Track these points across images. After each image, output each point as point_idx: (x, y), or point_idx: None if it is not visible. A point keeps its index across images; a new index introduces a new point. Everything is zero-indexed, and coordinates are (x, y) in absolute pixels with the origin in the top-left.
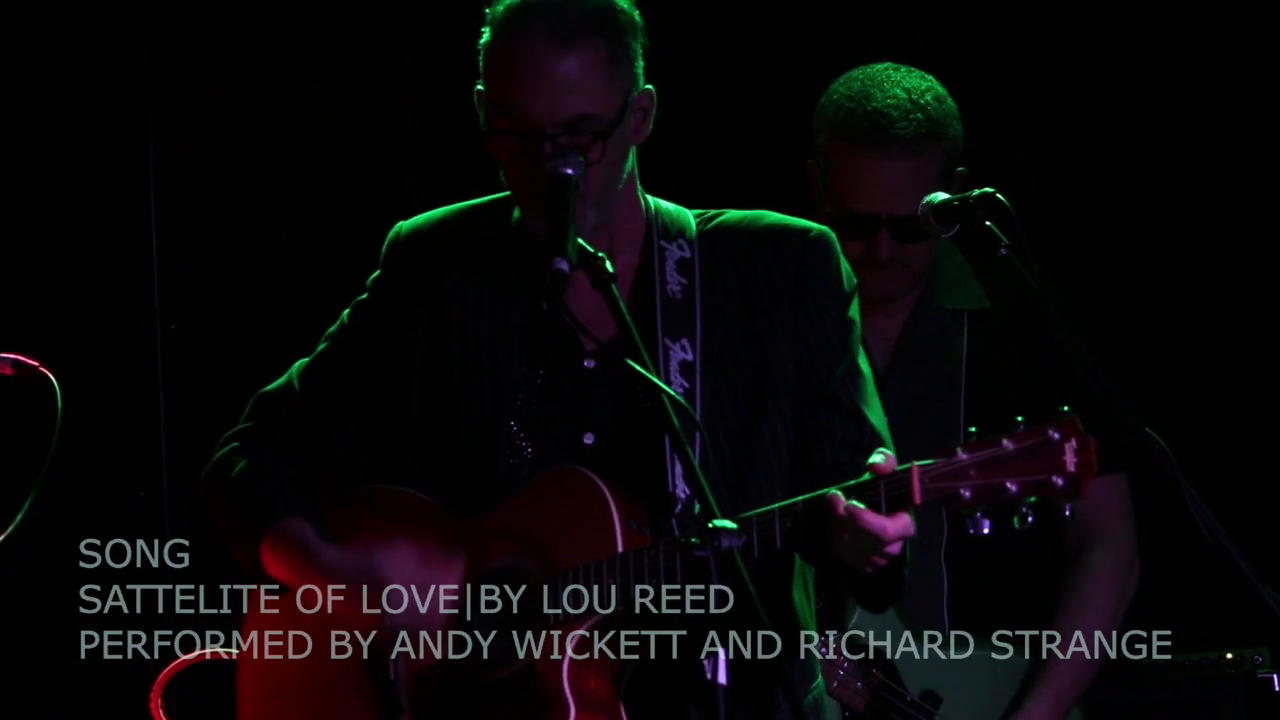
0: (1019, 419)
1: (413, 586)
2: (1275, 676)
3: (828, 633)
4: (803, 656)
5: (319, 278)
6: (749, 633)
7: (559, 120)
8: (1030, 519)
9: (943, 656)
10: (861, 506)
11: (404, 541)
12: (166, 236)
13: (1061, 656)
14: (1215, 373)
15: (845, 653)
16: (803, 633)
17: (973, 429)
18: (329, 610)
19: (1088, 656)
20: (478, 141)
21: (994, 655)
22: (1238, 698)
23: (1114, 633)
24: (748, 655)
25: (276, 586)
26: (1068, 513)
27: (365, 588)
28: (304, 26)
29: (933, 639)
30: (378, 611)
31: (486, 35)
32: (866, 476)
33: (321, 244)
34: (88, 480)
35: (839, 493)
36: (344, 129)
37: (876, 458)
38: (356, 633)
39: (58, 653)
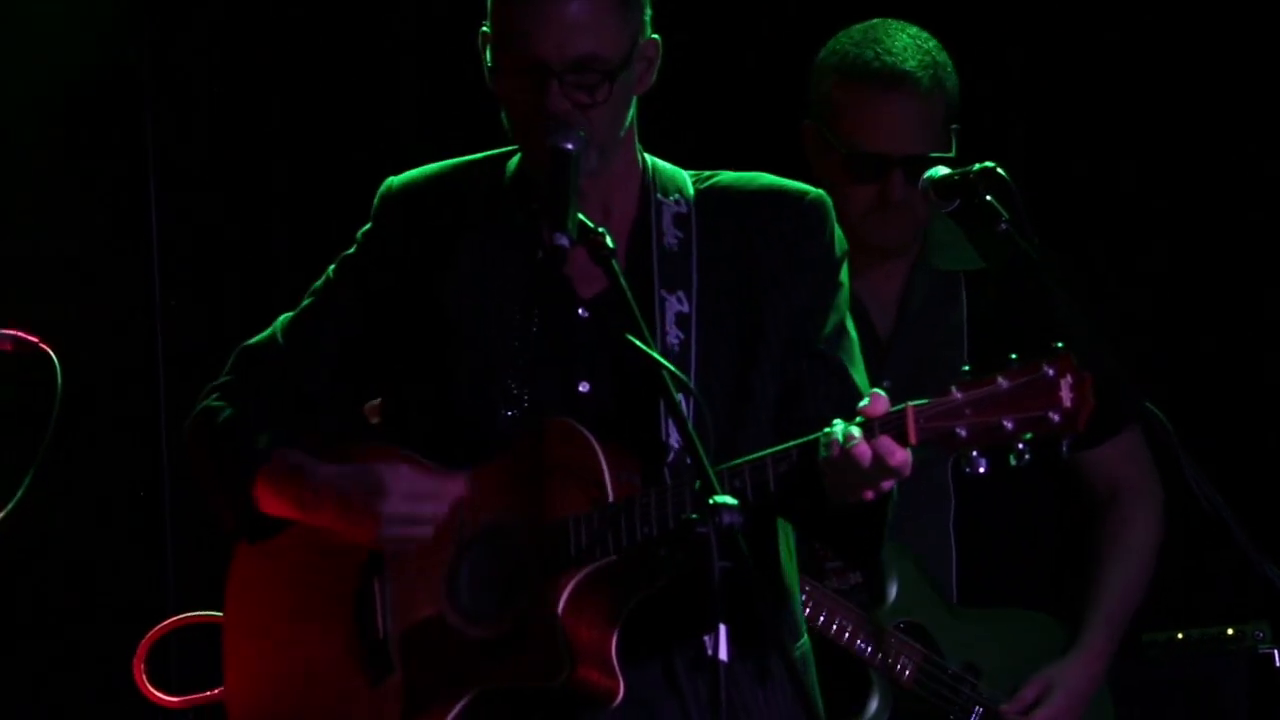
0: (1012, 356)
1: (407, 491)
2: (1276, 652)
3: (871, 612)
4: (790, 614)
5: (319, 255)
6: (746, 604)
7: (568, 58)
8: (1027, 457)
9: (975, 627)
10: (858, 434)
11: (398, 459)
12: (166, 215)
13: (1111, 597)
14: (1216, 346)
15: (887, 631)
16: (789, 591)
17: (966, 367)
18: (326, 543)
19: (1133, 596)
20: (471, 108)
21: (1022, 619)
22: (1239, 673)
23: (1152, 572)
24: (745, 626)
25: (260, 537)
26: (1064, 449)
27: (360, 498)
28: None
29: (964, 613)
30: (374, 521)
31: None
32: (859, 420)
33: (321, 223)
34: (87, 456)
35: (835, 430)
36: (340, 102)
37: (865, 400)
38: (343, 588)
39: (49, 624)
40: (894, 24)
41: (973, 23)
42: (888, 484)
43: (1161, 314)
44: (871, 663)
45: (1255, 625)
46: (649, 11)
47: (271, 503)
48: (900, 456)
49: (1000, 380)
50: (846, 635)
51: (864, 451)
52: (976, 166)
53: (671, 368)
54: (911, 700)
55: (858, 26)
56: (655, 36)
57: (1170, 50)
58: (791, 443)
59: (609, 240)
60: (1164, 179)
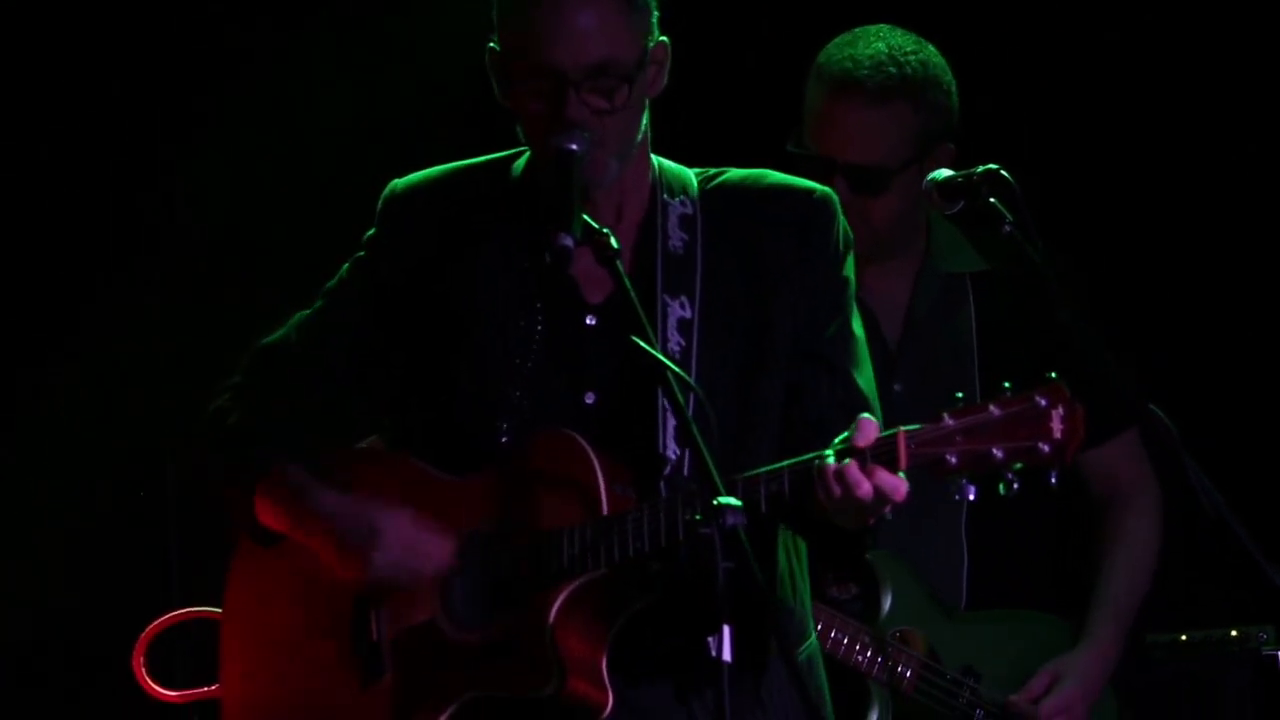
0: (1006, 385)
1: (401, 543)
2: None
3: (868, 622)
4: (795, 616)
5: (325, 267)
6: (749, 604)
7: (583, 65)
8: (1015, 486)
9: (975, 631)
10: (850, 461)
11: (397, 500)
12: (170, 229)
13: (1117, 587)
14: (1219, 348)
15: (885, 641)
16: (793, 591)
17: (959, 394)
18: (319, 559)
19: (1138, 587)
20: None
21: (1023, 620)
22: (1243, 675)
23: (1155, 566)
24: (748, 626)
25: (261, 543)
26: (1053, 480)
27: (355, 538)
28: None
29: (963, 616)
30: (364, 564)
31: None
32: (845, 434)
33: (325, 234)
34: (89, 452)
35: (829, 455)
36: (342, 111)
37: (854, 428)
38: (340, 591)
39: (51, 618)
40: (882, 30)
41: (976, 24)
42: (886, 509)
43: (1163, 313)
44: (870, 673)
45: (1259, 627)
46: (656, 14)
47: (268, 517)
48: (901, 491)
49: (992, 408)
50: (844, 647)
51: (864, 487)
52: (980, 169)
53: (675, 368)
54: (912, 707)
55: (862, 27)
56: (664, 39)
57: (1170, 49)
58: (785, 463)
59: (614, 241)
60: (1168, 178)
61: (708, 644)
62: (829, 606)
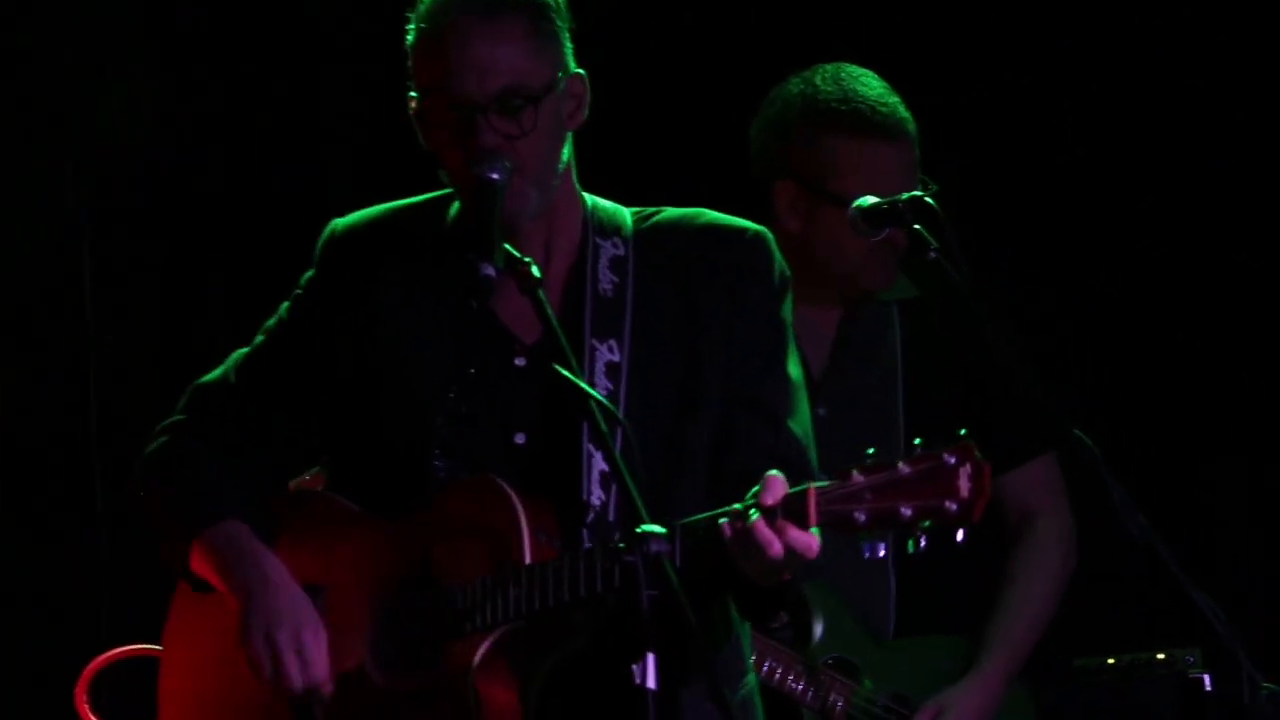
0: (917, 441)
1: (304, 644)
2: (1206, 676)
3: (799, 651)
4: (730, 652)
5: (254, 281)
6: (676, 636)
7: (490, 92)
8: (924, 543)
9: (905, 658)
10: (756, 516)
11: (319, 565)
12: (100, 254)
13: (1011, 622)
14: (1143, 374)
15: (817, 669)
16: (730, 630)
17: (870, 450)
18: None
19: (1036, 622)
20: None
21: (951, 646)
22: (1170, 698)
23: (1058, 600)
24: (674, 658)
25: (195, 589)
26: (959, 538)
27: (259, 630)
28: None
29: (893, 643)
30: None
31: (411, 32)
32: (758, 502)
33: (257, 243)
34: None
35: (739, 511)
36: (279, 129)
37: (763, 485)
38: None
39: None
40: (852, 69)
41: (901, 48)
42: (799, 564)
43: (1090, 334)
44: (803, 701)
45: (1186, 650)
46: (569, 45)
47: (200, 567)
48: (814, 548)
49: (901, 466)
50: (777, 676)
51: (775, 547)
52: (904, 195)
53: (600, 397)
54: None
55: (816, 77)
56: (581, 72)
57: (1101, 79)
58: (700, 516)
59: (535, 270)
60: (1099, 202)
61: (633, 672)
62: (761, 635)
